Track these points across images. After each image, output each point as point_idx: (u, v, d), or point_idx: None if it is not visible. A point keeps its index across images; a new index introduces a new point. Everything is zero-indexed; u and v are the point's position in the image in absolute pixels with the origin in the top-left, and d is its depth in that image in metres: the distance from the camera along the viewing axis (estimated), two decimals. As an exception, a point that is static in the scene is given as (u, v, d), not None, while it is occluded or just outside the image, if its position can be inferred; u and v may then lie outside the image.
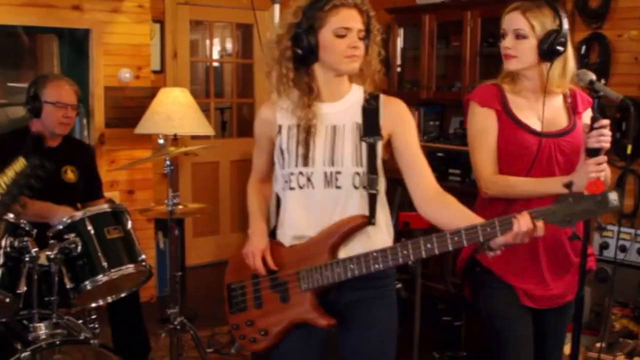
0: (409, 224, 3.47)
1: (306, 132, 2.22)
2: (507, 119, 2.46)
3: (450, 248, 2.06)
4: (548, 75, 2.42)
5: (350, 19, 2.16)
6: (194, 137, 5.55)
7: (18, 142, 3.44)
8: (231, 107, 6.84)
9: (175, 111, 4.79)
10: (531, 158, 2.42)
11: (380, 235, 2.26)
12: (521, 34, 2.41)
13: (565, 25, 2.40)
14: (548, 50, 2.39)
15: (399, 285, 2.58)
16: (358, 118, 2.24)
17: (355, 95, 2.28)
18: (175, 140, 4.94)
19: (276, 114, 2.28)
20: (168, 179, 3.49)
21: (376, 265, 2.13)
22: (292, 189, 2.25)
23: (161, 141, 3.42)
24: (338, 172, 2.20)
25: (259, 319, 2.32)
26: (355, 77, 2.28)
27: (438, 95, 5.67)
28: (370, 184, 2.21)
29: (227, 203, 6.57)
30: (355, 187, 2.20)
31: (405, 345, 2.62)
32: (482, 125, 2.49)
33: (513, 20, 2.43)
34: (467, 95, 2.59)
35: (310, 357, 2.34)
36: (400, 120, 2.27)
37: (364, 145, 2.21)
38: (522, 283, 2.48)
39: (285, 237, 2.31)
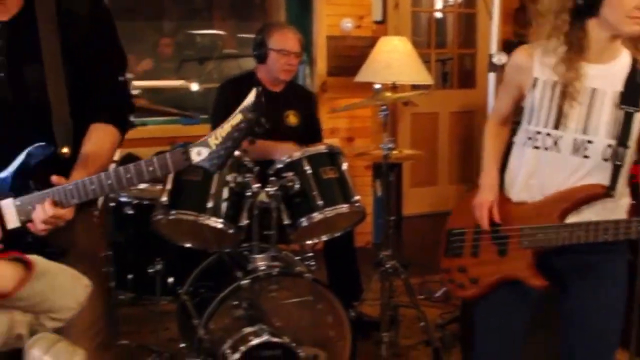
0: (635, 177, 3.25)
1: (564, 92, 2.10)
2: None
3: None
4: None
5: None
6: (414, 87, 5.56)
7: (245, 86, 3.64)
8: (452, 58, 6.73)
9: (394, 59, 4.80)
10: None
11: (616, 207, 2.14)
12: None
13: None
14: None
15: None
16: (621, 86, 2.09)
17: (624, 60, 2.11)
18: (395, 88, 4.97)
19: (534, 65, 2.17)
20: (383, 124, 3.53)
21: (605, 236, 2.03)
22: (536, 147, 2.16)
23: (377, 86, 3.45)
24: (589, 142, 2.08)
25: (472, 267, 2.32)
26: (629, 43, 2.11)
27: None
28: (619, 156, 2.07)
29: (445, 154, 6.52)
30: (605, 160, 2.08)
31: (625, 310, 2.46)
32: None
33: None
34: None
35: (519, 315, 2.30)
36: None
37: (621, 114, 2.06)
38: None
39: (514, 191, 2.26)
